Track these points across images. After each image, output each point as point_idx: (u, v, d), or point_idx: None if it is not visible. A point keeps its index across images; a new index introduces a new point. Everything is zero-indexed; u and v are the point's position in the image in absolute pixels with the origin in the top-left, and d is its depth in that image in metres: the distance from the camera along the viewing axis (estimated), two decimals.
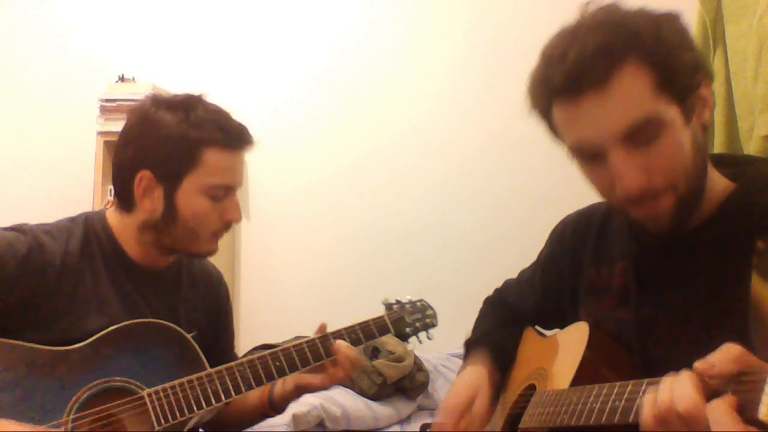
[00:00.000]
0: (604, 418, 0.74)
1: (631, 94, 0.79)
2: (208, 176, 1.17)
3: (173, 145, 1.15)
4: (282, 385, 1.28)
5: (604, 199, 0.91)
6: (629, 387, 0.72)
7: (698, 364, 0.62)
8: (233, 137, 1.20)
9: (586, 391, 0.81)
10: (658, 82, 0.80)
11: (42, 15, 2.89)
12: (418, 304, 1.43)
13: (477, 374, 1.14)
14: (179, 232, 1.19)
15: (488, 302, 1.37)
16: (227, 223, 1.22)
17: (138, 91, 2.48)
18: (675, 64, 0.81)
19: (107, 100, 2.52)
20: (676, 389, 0.63)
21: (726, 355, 0.60)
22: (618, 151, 0.81)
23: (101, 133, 2.53)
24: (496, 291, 1.37)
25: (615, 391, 0.74)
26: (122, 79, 2.63)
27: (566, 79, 0.81)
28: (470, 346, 1.26)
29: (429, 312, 1.44)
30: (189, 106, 1.18)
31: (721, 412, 0.58)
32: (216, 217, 1.20)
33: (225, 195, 1.20)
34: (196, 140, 1.16)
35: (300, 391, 1.27)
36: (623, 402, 0.71)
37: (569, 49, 0.81)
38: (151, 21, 2.85)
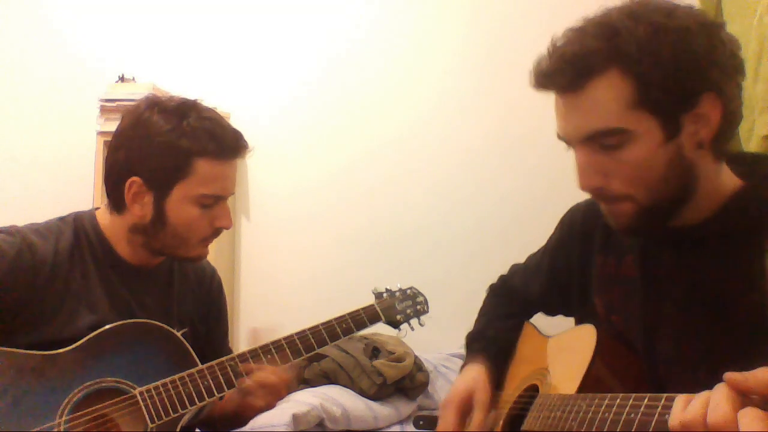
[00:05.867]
0: (618, 430, 0.72)
1: (601, 104, 0.82)
2: (199, 186, 1.16)
3: (164, 154, 1.14)
4: (232, 405, 1.27)
5: None
6: (645, 401, 0.70)
7: (730, 375, 0.58)
8: (225, 147, 1.18)
9: (597, 399, 0.80)
10: (637, 96, 0.81)
11: (42, 15, 2.88)
12: (409, 291, 1.43)
13: (475, 371, 1.16)
14: (168, 238, 1.19)
15: (492, 290, 1.38)
16: (217, 229, 1.22)
17: (138, 91, 2.47)
18: (663, 81, 0.80)
19: (107, 100, 2.51)
20: (711, 401, 0.60)
21: (762, 375, 0.57)
22: (580, 149, 0.87)
23: (101, 133, 2.52)
24: (501, 278, 1.38)
25: (630, 402, 0.73)
26: (122, 79, 2.63)
27: (544, 76, 0.86)
28: (471, 340, 1.28)
29: (419, 299, 1.44)
30: (182, 113, 1.17)
31: (752, 417, 0.55)
32: (205, 224, 1.20)
33: (215, 203, 1.20)
34: (187, 150, 1.15)
35: (246, 415, 1.27)
36: (639, 416, 0.70)
37: (557, 49, 0.85)
38: (151, 21, 2.85)
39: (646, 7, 0.83)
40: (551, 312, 1.25)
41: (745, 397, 0.57)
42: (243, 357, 1.18)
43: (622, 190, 0.85)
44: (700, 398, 0.61)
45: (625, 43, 0.80)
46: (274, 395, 1.20)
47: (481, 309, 1.35)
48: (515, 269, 1.34)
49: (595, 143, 0.84)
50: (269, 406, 1.22)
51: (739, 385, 0.58)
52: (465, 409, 1.12)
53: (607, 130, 0.82)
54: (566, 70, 0.83)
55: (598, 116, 0.83)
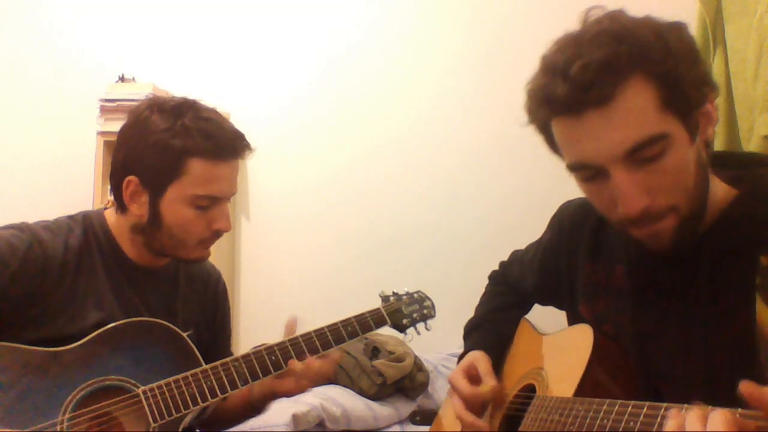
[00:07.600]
0: None
1: (636, 111, 0.76)
2: (193, 186, 1.15)
3: (158, 153, 1.14)
4: (260, 388, 1.28)
5: (605, 216, 0.89)
6: (644, 409, 0.69)
7: (746, 386, 0.56)
8: (221, 147, 1.16)
9: (595, 404, 0.79)
10: (664, 98, 0.77)
11: (42, 15, 2.88)
12: (416, 295, 1.43)
13: (474, 353, 1.19)
14: (165, 239, 1.18)
15: (492, 279, 1.40)
16: (215, 232, 1.21)
17: (138, 91, 2.47)
18: (681, 80, 0.78)
19: (107, 100, 2.51)
20: (709, 424, 0.57)
21: None
22: (620, 170, 0.78)
23: (101, 133, 2.52)
24: (501, 264, 1.39)
25: (629, 410, 0.71)
26: (122, 79, 2.63)
27: (569, 95, 0.77)
28: (468, 331, 1.29)
29: (426, 303, 1.43)
30: (179, 112, 1.16)
31: None
32: (202, 225, 1.19)
33: (212, 204, 1.18)
34: (180, 149, 1.14)
35: (275, 396, 1.28)
36: (638, 425, 0.68)
37: (572, 63, 0.76)
38: (151, 21, 2.85)
39: (624, 15, 0.81)
40: (544, 303, 1.27)
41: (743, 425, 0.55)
42: (247, 359, 1.18)
43: (668, 202, 0.80)
44: (695, 420, 0.59)
45: (638, 44, 0.77)
46: (311, 380, 1.22)
47: (481, 298, 1.37)
48: (514, 257, 1.35)
49: (636, 158, 0.77)
50: (299, 389, 1.24)
51: (753, 395, 0.55)
52: (471, 379, 1.13)
53: (651, 138, 0.76)
54: (597, 82, 0.75)
55: (637, 125, 0.76)
